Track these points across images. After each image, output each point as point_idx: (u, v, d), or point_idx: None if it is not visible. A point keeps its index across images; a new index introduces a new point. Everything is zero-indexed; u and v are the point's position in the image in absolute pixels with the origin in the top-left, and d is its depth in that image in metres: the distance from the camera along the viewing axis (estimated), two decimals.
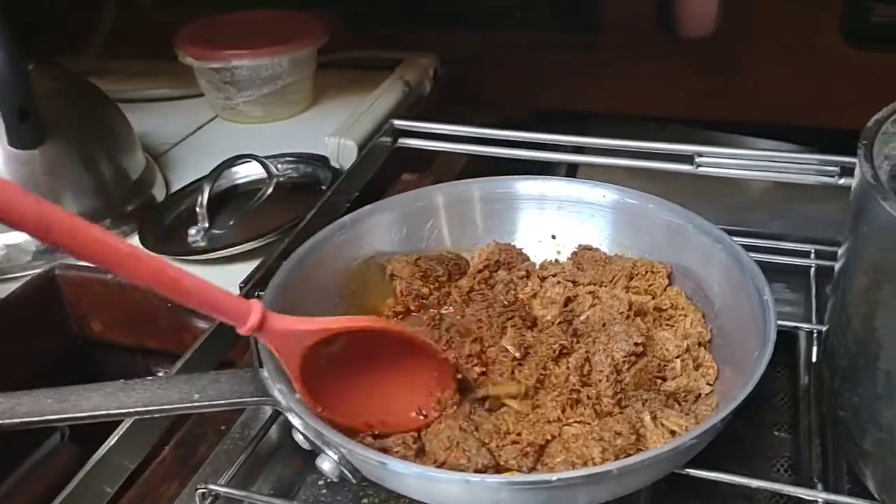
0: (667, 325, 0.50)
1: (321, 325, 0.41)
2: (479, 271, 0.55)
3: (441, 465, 0.42)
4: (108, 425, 0.50)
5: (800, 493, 0.41)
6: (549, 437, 0.43)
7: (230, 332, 0.48)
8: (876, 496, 0.38)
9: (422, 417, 0.45)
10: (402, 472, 0.39)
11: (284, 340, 0.40)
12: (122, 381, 0.39)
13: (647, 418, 0.43)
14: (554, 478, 0.37)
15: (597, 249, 0.56)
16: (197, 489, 0.42)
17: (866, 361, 0.36)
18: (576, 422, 0.43)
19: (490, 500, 0.37)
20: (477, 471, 0.41)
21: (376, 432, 0.43)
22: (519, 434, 0.43)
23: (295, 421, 0.41)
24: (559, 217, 0.58)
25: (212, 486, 0.42)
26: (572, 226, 0.57)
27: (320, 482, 0.47)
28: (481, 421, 0.44)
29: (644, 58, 0.94)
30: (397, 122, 0.65)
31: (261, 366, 0.43)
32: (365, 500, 0.46)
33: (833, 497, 0.40)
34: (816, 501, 0.40)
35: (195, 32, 0.94)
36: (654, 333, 0.49)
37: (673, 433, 0.42)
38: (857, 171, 0.37)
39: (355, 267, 0.54)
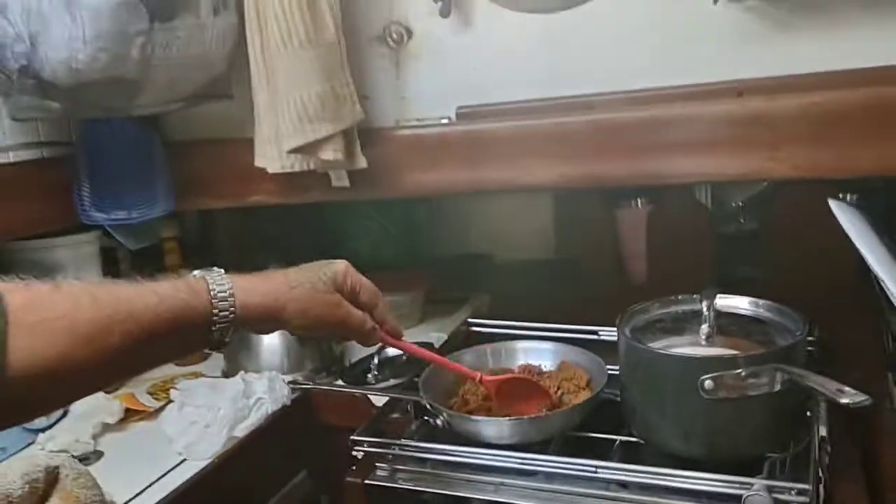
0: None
1: (505, 377, 1.19)
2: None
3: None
4: (342, 461, 1.22)
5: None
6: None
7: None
8: (641, 440, 1.12)
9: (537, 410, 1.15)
10: (459, 421, 1.15)
11: (489, 383, 1.16)
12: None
13: None
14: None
15: (572, 364, 1.28)
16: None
17: (631, 402, 1.13)
18: None
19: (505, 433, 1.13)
20: None
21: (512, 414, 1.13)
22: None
23: (426, 403, 1.19)
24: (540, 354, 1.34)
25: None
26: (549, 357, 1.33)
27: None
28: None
29: None
30: (470, 320, 1.46)
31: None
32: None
33: (626, 438, 1.13)
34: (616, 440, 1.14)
35: None
36: None
37: None
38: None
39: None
